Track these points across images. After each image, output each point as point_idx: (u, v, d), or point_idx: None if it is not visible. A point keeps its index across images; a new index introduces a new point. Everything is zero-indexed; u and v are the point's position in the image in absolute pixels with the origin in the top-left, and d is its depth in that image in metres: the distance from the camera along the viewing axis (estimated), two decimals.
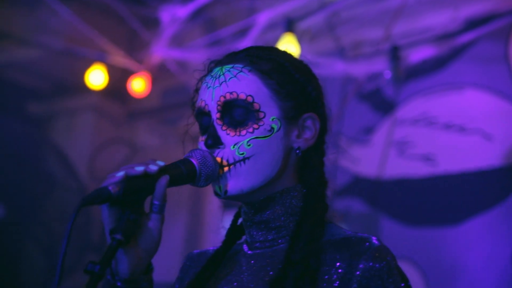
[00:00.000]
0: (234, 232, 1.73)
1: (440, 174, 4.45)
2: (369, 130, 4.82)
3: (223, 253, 1.69)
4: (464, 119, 4.43)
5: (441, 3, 4.59)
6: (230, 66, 1.61)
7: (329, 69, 4.40)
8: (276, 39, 4.20)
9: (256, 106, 1.55)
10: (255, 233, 1.61)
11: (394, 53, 4.41)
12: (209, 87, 1.60)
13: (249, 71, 1.59)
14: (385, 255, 1.47)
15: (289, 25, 4.28)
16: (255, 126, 1.55)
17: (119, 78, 5.56)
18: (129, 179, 1.38)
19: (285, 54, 1.69)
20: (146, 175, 1.41)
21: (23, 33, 5.47)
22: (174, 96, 5.95)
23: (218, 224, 5.33)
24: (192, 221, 5.59)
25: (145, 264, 1.45)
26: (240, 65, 1.60)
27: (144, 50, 5.25)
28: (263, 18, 4.41)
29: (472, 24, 4.41)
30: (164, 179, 1.43)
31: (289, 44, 4.09)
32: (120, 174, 1.37)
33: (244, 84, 1.57)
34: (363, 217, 4.63)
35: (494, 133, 4.30)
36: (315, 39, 4.71)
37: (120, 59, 5.31)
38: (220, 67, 1.62)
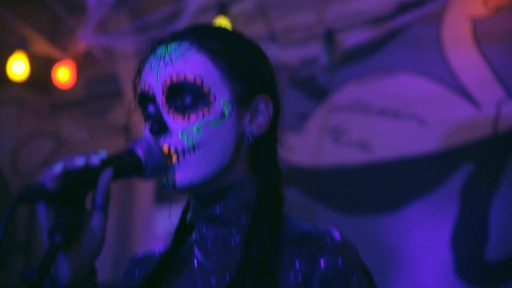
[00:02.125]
0: (183, 230, 1.59)
1: (376, 160, 4.42)
2: (303, 117, 4.75)
3: (172, 255, 1.55)
4: (399, 104, 4.40)
5: None
6: (175, 44, 1.47)
7: None
8: (209, 23, 4.07)
9: (205, 88, 1.43)
10: (205, 230, 1.48)
11: (329, 37, 4.34)
12: (153, 68, 1.46)
13: (197, 50, 1.46)
14: (347, 249, 1.38)
15: (221, 8, 4.16)
16: (205, 110, 1.42)
17: (41, 67, 5.34)
18: (68, 173, 1.23)
19: (234, 32, 1.58)
20: (87, 168, 1.27)
21: None
22: (100, 86, 5.75)
23: (150, 220, 5.12)
24: (122, 217, 5.43)
25: (88, 267, 1.30)
26: (187, 44, 1.47)
27: (69, 37, 5.04)
28: (194, 1, 4.27)
29: (405, 7, 4.37)
30: (108, 172, 1.28)
31: None
32: (58, 167, 1.23)
33: (191, 64, 1.44)
34: (300, 206, 4.56)
35: (429, 118, 4.29)
36: (249, 24, 4.60)
37: (43, 46, 5.08)
38: (165, 46, 1.48)
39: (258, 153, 1.53)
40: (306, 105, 4.75)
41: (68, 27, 5.08)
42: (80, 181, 1.26)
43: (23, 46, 5.08)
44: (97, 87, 5.80)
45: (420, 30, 4.37)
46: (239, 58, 1.49)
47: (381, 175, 4.40)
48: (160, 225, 5.02)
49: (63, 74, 5.05)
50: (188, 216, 1.58)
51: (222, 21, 4.11)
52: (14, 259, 5.53)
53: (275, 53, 4.53)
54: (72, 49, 4.98)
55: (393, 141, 4.38)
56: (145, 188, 5.22)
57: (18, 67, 5.09)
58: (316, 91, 4.72)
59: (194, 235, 1.55)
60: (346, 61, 4.56)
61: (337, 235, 1.40)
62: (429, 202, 4.18)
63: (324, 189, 4.61)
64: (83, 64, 5.18)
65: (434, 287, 4.05)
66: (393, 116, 4.40)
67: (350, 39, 4.48)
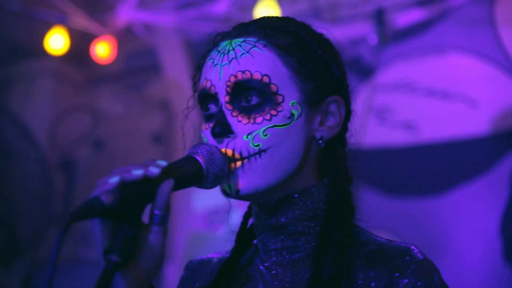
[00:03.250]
0: (244, 236, 1.48)
1: (423, 142, 4.30)
2: None
3: (234, 264, 1.44)
4: (448, 85, 4.26)
5: None
6: (241, 39, 1.35)
7: None
8: (255, 1, 3.93)
9: (273, 88, 1.31)
10: (268, 239, 1.37)
11: (379, 16, 4.17)
12: (216, 64, 1.35)
13: (264, 46, 1.34)
14: (430, 271, 1.25)
15: None
16: (273, 112, 1.31)
17: (80, 41, 5.26)
18: (125, 186, 1.13)
19: (304, 26, 1.45)
20: (145, 179, 1.16)
21: None
22: (139, 60, 5.68)
23: (188, 199, 4.99)
24: None
25: (147, 286, 1.20)
26: (254, 39, 1.35)
27: (108, 12, 4.93)
28: None
29: None
30: (168, 184, 1.18)
31: (269, 7, 3.82)
32: (114, 180, 1.13)
33: (258, 61, 1.32)
34: None
35: (479, 99, 4.16)
36: (296, 2, 4.45)
37: (82, 21, 4.98)
38: (229, 41, 1.36)
39: (328, 158, 1.41)
40: (350, 84, 4.62)
41: (108, 2, 4.98)
42: (138, 194, 1.16)
43: (62, 20, 4.99)
44: (135, 61, 5.73)
45: (472, 9, 4.21)
46: (310, 55, 1.37)
47: (428, 157, 4.28)
48: (199, 205, 4.95)
49: (103, 50, 4.96)
50: (250, 221, 1.47)
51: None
52: (51, 232, 5.51)
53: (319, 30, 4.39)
54: (111, 25, 4.87)
55: (441, 123, 4.26)
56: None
57: (57, 41, 5.01)
58: (361, 69, 4.58)
59: (256, 242, 1.45)
60: (393, 39, 4.42)
61: (418, 254, 1.27)
62: (478, 186, 4.06)
63: (368, 170, 4.49)
64: (120, 38, 5.09)
65: (482, 273, 3.94)
66: (442, 96, 4.26)
67: (400, 18, 4.32)
